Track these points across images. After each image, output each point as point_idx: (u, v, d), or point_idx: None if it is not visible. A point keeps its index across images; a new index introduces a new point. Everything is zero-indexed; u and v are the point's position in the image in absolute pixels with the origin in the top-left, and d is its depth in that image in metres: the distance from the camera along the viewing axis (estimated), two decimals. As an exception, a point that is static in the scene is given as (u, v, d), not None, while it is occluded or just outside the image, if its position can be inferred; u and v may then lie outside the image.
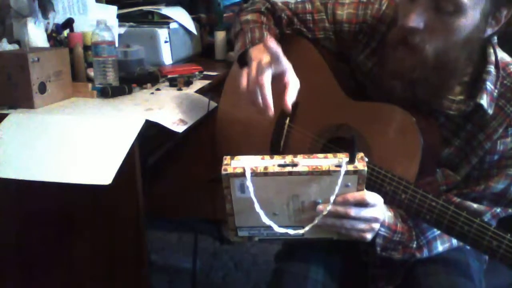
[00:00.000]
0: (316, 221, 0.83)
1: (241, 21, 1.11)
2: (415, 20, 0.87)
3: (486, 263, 1.11)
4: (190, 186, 2.10)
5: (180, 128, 1.26)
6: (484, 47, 0.95)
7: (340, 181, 0.78)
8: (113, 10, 1.70)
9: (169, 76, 1.61)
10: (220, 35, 2.07)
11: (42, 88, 1.29)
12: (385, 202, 0.88)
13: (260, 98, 0.88)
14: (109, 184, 1.07)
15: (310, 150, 1.05)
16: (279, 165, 0.79)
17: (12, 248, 1.31)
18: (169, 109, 1.32)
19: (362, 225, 0.86)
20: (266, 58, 0.88)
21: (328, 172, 0.78)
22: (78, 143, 1.16)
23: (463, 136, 0.97)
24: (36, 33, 1.46)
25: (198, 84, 1.59)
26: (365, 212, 0.84)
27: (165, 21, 1.87)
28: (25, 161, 1.14)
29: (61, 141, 1.17)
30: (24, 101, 1.27)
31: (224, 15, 2.16)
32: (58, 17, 1.57)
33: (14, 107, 1.27)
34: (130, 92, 1.45)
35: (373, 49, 1.05)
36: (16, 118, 1.23)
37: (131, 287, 1.29)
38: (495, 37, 0.96)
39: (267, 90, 0.87)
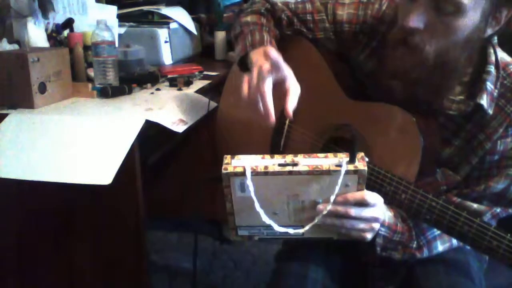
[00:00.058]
0: (316, 221, 0.83)
1: (241, 22, 1.10)
2: (415, 21, 0.87)
3: (486, 263, 1.11)
4: (190, 186, 2.09)
5: (180, 128, 1.26)
6: (484, 47, 0.95)
7: (340, 180, 0.78)
8: (113, 10, 1.70)
9: (169, 76, 1.61)
10: (220, 35, 2.07)
11: (42, 88, 1.29)
12: (385, 202, 0.88)
13: (261, 106, 0.88)
14: (109, 184, 1.06)
15: (310, 150, 1.05)
16: (280, 165, 0.79)
17: (12, 248, 1.31)
18: (169, 109, 1.31)
19: (362, 225, 0.86)
20: (266, 65, 0.89)
21: (328, 172, 0.78)
22: (78, 143, 1.16)
23: (463, 136, 0.97)
24: (36, 33, 1.46)
25: (198, 84, 1.59)
26: (365, 212, 0.84)
27: (165, 21, 1.87)
28: (25, 161, 1.13)
29: (61, 141, 1.17)
30: (24, 101, 1.27)
31: (224, 15, 2.16)
32: (58, 17, 1.57)
33: (14, 107, 1.27)
34: (130, 92, 1.45)
35: (373, 49, 1.05)
36: (16, 118, 1.23)
37: (131, 287, 1.29)
38: (495, 37, 0.96)
39: (268, 98, 0.88)
